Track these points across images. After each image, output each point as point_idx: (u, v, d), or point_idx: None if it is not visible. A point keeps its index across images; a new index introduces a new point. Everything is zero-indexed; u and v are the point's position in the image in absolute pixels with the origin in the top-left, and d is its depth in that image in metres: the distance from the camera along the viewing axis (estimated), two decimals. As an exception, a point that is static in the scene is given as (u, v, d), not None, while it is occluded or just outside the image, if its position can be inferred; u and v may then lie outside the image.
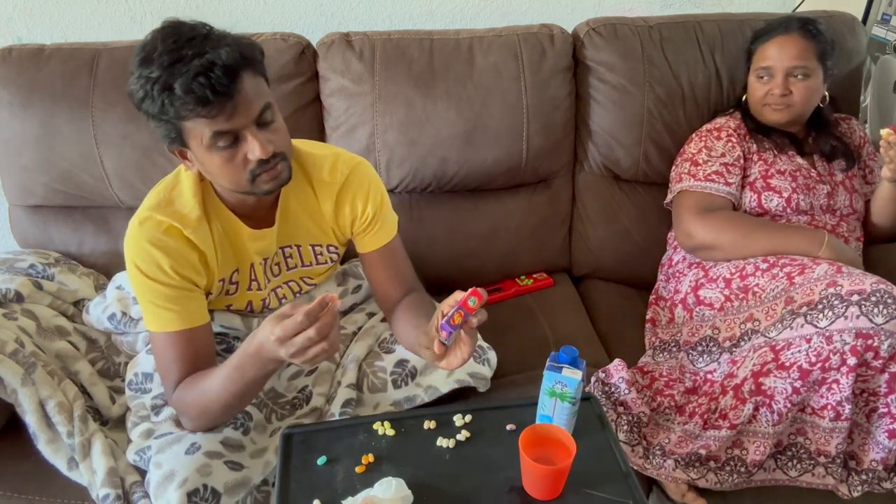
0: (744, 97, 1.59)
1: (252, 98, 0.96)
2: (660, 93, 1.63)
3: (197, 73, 0.90)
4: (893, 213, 1.52)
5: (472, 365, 1.24)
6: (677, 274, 1.56)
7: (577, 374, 0.97)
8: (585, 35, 1.64)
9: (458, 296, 0.92)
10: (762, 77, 1.50)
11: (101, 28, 1.77)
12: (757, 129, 1.54)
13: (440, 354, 0.96)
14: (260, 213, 1.15)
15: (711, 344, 1.35)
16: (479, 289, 0.91)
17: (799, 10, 1.91)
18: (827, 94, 1.54)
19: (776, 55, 1.47)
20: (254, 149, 0.98)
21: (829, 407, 1.17)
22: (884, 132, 1.34)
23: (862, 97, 1.81)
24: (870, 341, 1.10)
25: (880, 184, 1.50)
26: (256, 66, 0.99)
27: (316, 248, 1.25)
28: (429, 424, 1.05)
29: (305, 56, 1.58)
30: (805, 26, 1.48)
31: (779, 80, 1.47)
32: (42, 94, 1.51)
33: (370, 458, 0.99)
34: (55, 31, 1.77)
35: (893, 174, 1.40)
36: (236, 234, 1.14)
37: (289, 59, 1.55)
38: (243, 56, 0.95)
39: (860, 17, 1.87)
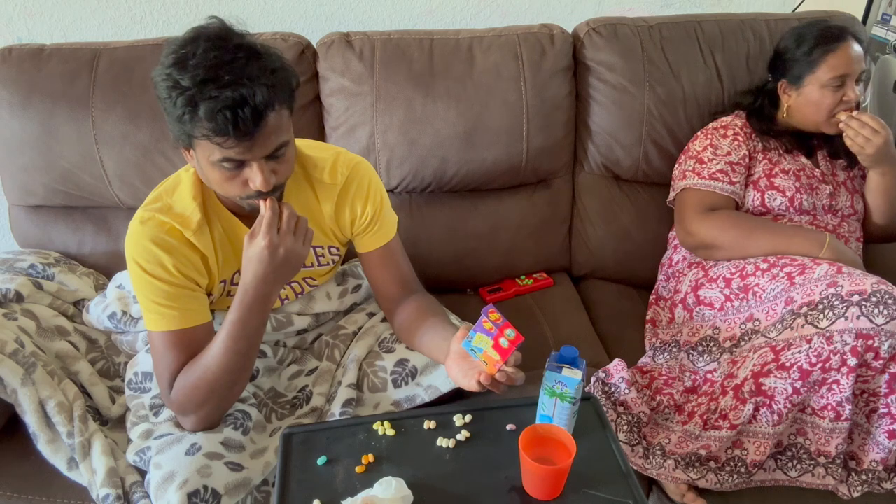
0: (751, 103, 1.57)
1: (271, 137, 0.96)
2: (660, 93, 1.63)
3: (225, 105, 0.89)
4: (883, 205, 1.51)
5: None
6: (677, 274, 1.55)
7: (577, 374, 0.97)
8: (585, 35, 1.64)
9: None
10: (836, 85, 1.44)
11: (101, 28, 1.77)
12: (764, 131, 1.53)
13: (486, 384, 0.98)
14: None
15: (712, 344, 1.35)
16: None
17: (799, 10, 1.91)
18: None
19: (848, 62, 1.43)
20: (256, 180, 0.98)
21: (829, 407, 1.17)
22: (841, 116, 1.41)
23: (862, 97, 1.81)
24: (870, 342, 1.11)
25: (868, 175, 1.50)
26: (287, 102, 0.99)
27: (317, 249, 1.25)
28: (429, 424, 1.05)
29: (305, 56, 1.58)
30: (852, 32, 1.46)
31: (850, 85, 1.44)
32: (42, 94, 1.51)
33: (370, 458, 0.99)
34: (55, 31, 1.77)
35: (859, 148, 1.40)
36: (237, 235, 1.14)
37: (289, 60, 1.54)
38: (278, 94, 0.94)
39: (860, 17, 1.87)
